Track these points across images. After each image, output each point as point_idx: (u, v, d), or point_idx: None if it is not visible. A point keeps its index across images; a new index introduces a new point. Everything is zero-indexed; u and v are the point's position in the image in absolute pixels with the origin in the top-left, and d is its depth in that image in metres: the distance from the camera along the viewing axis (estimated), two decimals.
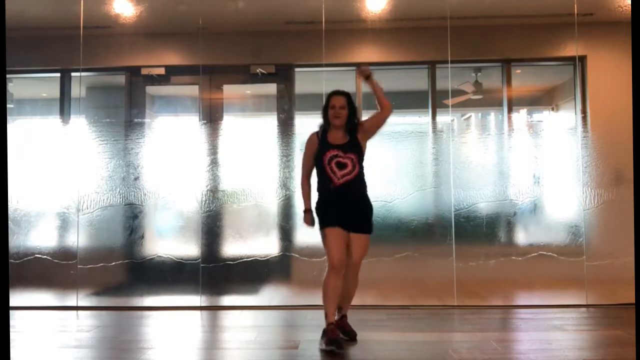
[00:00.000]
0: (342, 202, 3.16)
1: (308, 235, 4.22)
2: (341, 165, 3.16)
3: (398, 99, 5.23)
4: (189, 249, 4.60)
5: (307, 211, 3.30)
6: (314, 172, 3.30)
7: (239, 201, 4.61)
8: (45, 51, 4.92)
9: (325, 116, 3.29)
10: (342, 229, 3.13)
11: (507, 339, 3.43)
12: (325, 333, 3.08)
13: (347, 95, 3.27)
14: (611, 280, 4.32)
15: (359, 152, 3.22)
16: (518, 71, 4.96)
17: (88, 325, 3.85)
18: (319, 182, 3.25)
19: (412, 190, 4.54)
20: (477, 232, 4.53)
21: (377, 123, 3.29)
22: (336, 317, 3.19)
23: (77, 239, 4.58)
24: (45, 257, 4.61)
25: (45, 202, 4.67)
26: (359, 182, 3.19)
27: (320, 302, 4.30)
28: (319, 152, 3.22)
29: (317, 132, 3.32)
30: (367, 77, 3.27)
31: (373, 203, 3.26)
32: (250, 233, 4.63)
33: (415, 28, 4.91)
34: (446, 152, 4.56)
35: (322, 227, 3.18)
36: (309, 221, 3.30)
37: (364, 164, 3.24)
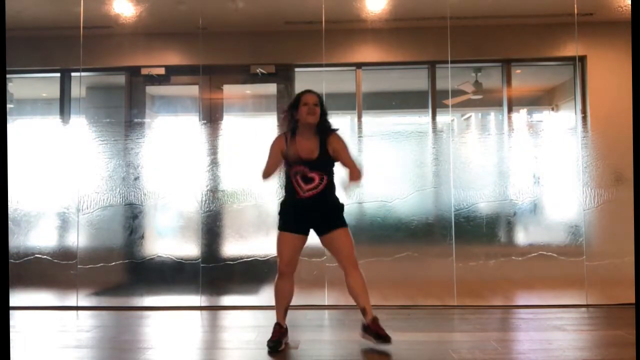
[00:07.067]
0: (306, 212, 3.08)
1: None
2: (307, 180, 3.05)
3: (398, 99, 5.25)
4: (189, 249, 4.59)
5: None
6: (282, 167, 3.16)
7: (239, 201, 4.61)
8: (45, 51, 4.91)
9: (292, 115, 3.08)
10: (298, 234, 3.09)
11: (507, 339, 3.43)
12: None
13: (319, 95, 3.12)
14: (611, 280, 4.32)
15: (327, 168, 3.09)
16: (518, 71, 4.96)
17: (88, 325, 3.85)
18: (286, 185, 3.16)
19: (412, 190, 4.54)
20: (477, 232, 4.53)
21: (339, 159, 3.11)
22: (367, 321, 3.06)
23: (77, 239, 4.58)
24: (45, 257, 4.60)
25: (45, 202, 4.67)
26: (325, 194, 3.06)
27: (320, 302, 4.32)
28: (286, 160, 3.09)
29: (284, 134, 3.15)
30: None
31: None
32: (250, 233, 4.63)
33: (415, 28, 4.91)
34: (446, 152, 4.56)
35: (278, 229, 3.15)
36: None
37: (334, 171, 3.12)
